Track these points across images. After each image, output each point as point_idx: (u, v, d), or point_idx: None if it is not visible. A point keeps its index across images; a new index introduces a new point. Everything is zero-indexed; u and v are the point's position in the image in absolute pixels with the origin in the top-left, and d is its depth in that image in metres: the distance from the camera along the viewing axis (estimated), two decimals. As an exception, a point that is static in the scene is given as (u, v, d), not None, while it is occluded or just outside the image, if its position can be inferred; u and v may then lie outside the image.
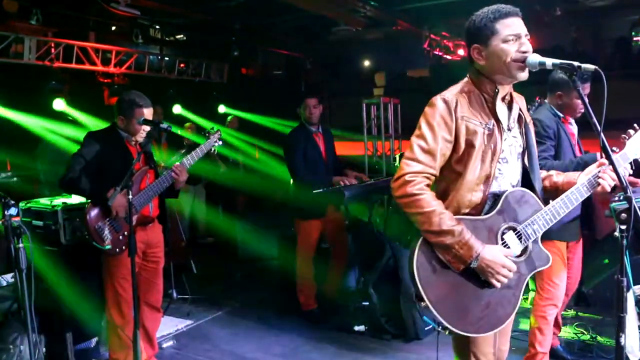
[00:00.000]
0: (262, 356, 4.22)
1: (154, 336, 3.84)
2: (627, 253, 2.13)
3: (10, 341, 3.50)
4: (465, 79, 2.18)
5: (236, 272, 6.41)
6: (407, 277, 4.36)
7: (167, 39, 9.14)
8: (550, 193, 2.29)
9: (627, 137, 2.36)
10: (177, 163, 3.55)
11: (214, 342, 4.49)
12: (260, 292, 5.76)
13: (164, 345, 4.34)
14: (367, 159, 8.66)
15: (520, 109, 2.23)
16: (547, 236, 2.21)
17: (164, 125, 3.33)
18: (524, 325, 4.19)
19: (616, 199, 3.31)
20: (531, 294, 4.33)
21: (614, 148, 2.30)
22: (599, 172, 2.20)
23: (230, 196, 8.09)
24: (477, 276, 2.04)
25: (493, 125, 2.10)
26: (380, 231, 5.11)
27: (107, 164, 3.44)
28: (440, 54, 8.79)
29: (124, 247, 3.40)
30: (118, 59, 7.73)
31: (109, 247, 3.38)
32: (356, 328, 4.57)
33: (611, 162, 1.97)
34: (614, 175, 2.16)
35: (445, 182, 2.13)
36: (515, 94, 2.21)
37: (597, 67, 1.93)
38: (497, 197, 2.13)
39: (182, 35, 9.17)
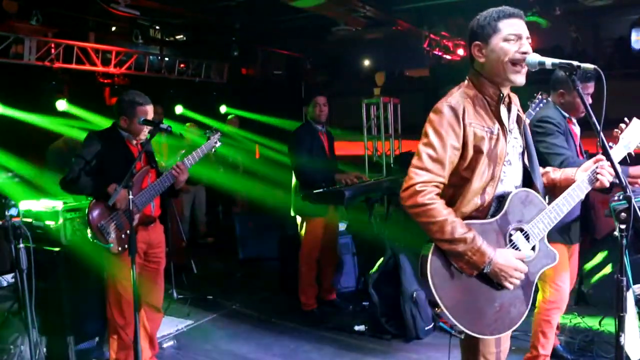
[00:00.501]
0: (262, 356, 4.22)
1: (155, 336, 3.84)
2: (627, 252, 2.12)
3: (11, 341, 3.51)
4: (466, 82, 2.18)
5: (236, 272, 6.41)
6: (407, 277, 4.39)
7: (167, 39, 9.14)
8: (549, 190, 2.30)
9: (619, 132, 2.35)
10: (178, 162, 3.56)
11: (214, 342, 4.49)
12: (260, 292, 5.77)
13: (165, 345, 4.34)
14: (367, 158, 8.66)
15: (518, 110, 2.24)
16: (549, 239, 2.21)
17: (164, 125, 3.33)
18: (525, 325, 4.19)
19: (615, 198, 3.32)
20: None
21: (610, 144, 2.29)
22: (597, 167, 2.20)
23: (230, 196, 8.10)
24: (490, 279, 2.07)
25: (498, 129, 2.11)
26: (380, 231, 5.11)
27: (108, 164, 3.45)
28: (440, 53, 8.79)
29: (126, 246, 3.40)
30: (118, 59, 7.74)
31: (112, 245, 3.39)
32: (356, 328, 4.57)
33: (611, 162, 1.97)
34: (612, 170, 2.15)
35: (453, 188, 2.12)
36: (510, 93, 2.22)
37: (596, 67, 1.93)
38: (502, 199, 2.14)
39: (182, 36, 9.17)
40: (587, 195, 2.26)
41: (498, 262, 2.01)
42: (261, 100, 9.66)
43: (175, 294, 5.19)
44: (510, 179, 2.19)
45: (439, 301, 2.01)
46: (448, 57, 9.01)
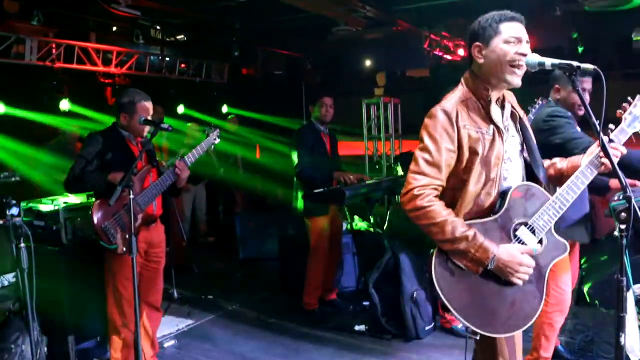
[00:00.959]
0: (262, 356, 4.22)
1: (155, 336, 3.85)
2: (627, 252, 2.12)
3: (12, 341, 3.51)
4: (460, 86, 2.20)
5: (237, 272, 6.42)
6: (407, 276, 4.39)
7: (167, 39, 9.15)
8: (557, 180, 2.30)
9: (623, 112, 2.32)
10: (179, 160, 3.56)
11: (215, 342, 4.50)
12: (260, 292, 5.77)
13: (165, 345, 4.35)
14: (368, 158, 8.66)
15: (512, 106, 2.25)
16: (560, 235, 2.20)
17: (165, 125, 3.33)
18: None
19: (616, 198, 3.31)
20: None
21: (610, 125, 2.26)
22: (599, 153, 2.18)
23: (230, 196, 8.10)
24: (498, 277, 2.06)
25: (493, 130, 2.13)
26: (380, 231, 5.12)
27: (109, 164, 3.45)
28: (441, 54, 8.79)
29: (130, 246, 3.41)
30: (119, 59, 7.75)
31: (115, 246, 3.39)
32: (357, 328, 4.57)
33: (611, 162, 1.98)
34: (616, 152, 2.16)
35: (452, 191, 2.14)
36: (505, 92, 2.23)
37: (596, 67, 1.94)
38: (503, 195, 2.15)
39: (182, 36, 9.18)
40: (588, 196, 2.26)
41: (502, 258, 2.02)
42: (261, 100, 9.67)
43: (175, 294, 5.19)
44: (513, 176, 2.20)
45: (447, 304, 2.02)
46: (448, 57, 9.02)
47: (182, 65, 8.82)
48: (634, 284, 3.37)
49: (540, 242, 2.13)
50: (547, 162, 2.36)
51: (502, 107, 2.21)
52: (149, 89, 3.70)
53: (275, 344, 4.42)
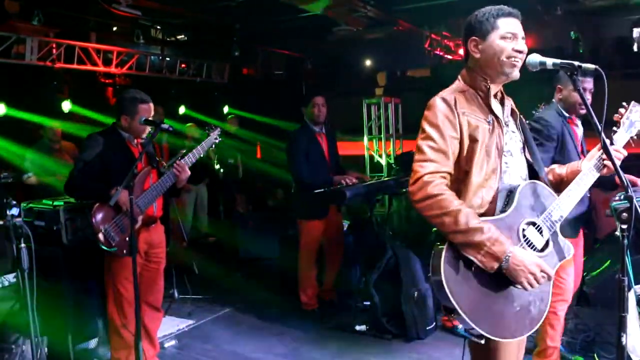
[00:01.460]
0: (263, 356, 4.22)
1: (155, 336, 3.84)
2: (628, 252, 2.12)
3: (12, 341, 3.51)
4: (457, 82, 2.19)
5: (237, 272, 6.41)
6: (408, 276, 4.39)
7: (168, 39, 9.16)
8: (556, 186, 2.27)
9: (620, 116, 2.34)
10: (178, 161, 3.55)
11: (216, 342, 4.49)
12: (261, 292, 5.76)
13: (166, 345, 4.35)
14: (368, 159, 8.66)
15: (512, 105, 2.25)
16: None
17: (165, 125, 3.33)
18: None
19: (617, 198, 3.31)
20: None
21: (614, 128, 2.28)
22: (602, 154, 2.19)
23: (231, 196, 8.10)
24: (506, 279, 1.96)
25: (492, 120, 2.11)
26: (381, 231, 5.11)
27: (109, 166, 3.44)
28: (441, 53, 8.79)
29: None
30: (119, 59, 7.75)
31: (115, 249, 3.38)
32: (357, 328, 4.57)
33: (612, 161, 1.98)
34: (618, 154, 2.18)
35: (456, 184, 2.08)
36: (502, 90, 2.22)
37: (597, 67, 1.94)
38: (510, 193, 2.10)
39: (183, 36, 9.18)
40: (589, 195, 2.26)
41: (517, 255, 1.92)
42: (262, 100, 9.67)
43: (176, 294, 5.18)
44: (514, 170, 2.16)
45: (456, 306, 1.89)
46: (449, 57, 9.02)
47: (183, 65, 8.82)
48: (635, 284, 3.36)
49: (547, 243, 2.08)
50: (546, 169, 2.34)
51: (502, 104, 2.19)
52: (149, 89, 3.70)
53: (276, 343, 4.42)
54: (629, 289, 3.14)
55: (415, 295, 4.33)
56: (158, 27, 8.19)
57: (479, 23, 2.11)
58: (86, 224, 3.37)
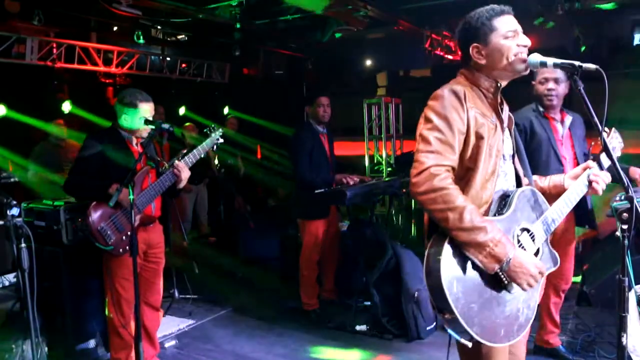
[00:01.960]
0: (263, 356, 4.22)
1: (155, 336, 3.84)
2: (629, 253, 2.12)
3: (13, 341, 3.51)
4: (459, 78, 2.15)
5: (238, 272, 6.41)
6: (408, 276, 4.38)
7: (168, 39, 9.15)
8: None
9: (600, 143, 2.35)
10: (178, 162, 3.55)
11: (216, 342, 4.50)
12: (262, 291, 5.77)
13: (166, 345, 4.35)
14: (369, 159, 8.66)
15: (508, 112, 2.23)
16: None
17: (166, 125, 3.33)
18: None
19: (617, 198, 3.31)
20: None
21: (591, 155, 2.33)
22: (590, 175, 2.23)
23: (231, 196, 8.10)
24: (500, 283, 1.93)
25: (495, 120, 2.08)
26: (381, 231, 5.11)
27: (109, 165, 3.44)
28: (442, 53, 8.78)
29: (127, 248, 3.40)
30: (120, 59, 7.75)
31: (112, 247, 3.38)
32: (358, 328, 4.57)
33: (612, 162, 1.98)
34: (605, 179, 2.21)
35: (456, 180, 1.99)
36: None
37: (598, 67, 1.94)
38: (506, 196, 2.08)
39: (183, 36, 9.17)
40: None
41: (519, 257, 1.88)
42: (263, 99, 9.67)
43: (176, 294, 5.19)
44: (507, 177, 2.15)
45: (452, 306, 1.83)
46: (450, 57, 9.00)
47: (183, 65, 8.82)
48: (635, 284, 3.36)
49: (537, 251, 2.08)
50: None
51: (501, 109, 2.16)
52: (149, 89, 3.70)
53: (276, 343, 4.42)
54: (630, 289, 3.14)
55: (416, 295, 4.33)
56: (158, 26, 8.17)
57: (474, 29, 2.07)
58: (84, 222, 3.36)
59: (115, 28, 7.98)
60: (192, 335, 4.65)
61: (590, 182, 2.23)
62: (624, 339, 1.90)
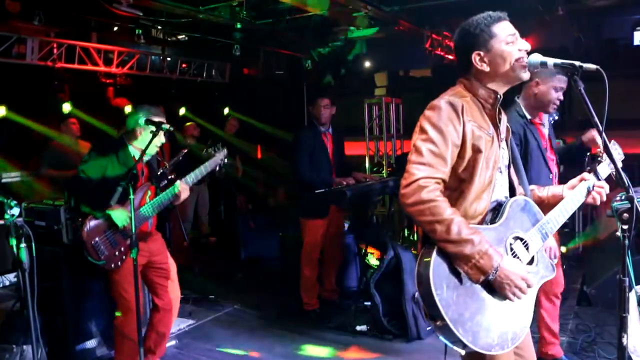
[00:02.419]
0: (264, 356, 4.22)
1: (166, 338, 3.83)
2: (630, 253, 2.12)
3: (13, 341, 3.51)
4: (458, 87, 2.14)
5: (238, 272, 6.42)
6: (408, 277, 4.38)
7: (169, 39, 9.15)
8: None
9: (602, 152, 2.35)
10: (181, 184, 3.49)
11: (216, 342, 4.50)
12: (262, 292, 5.77)
13: (167, 345, 4.34)
14: (369, 159, 8.65)
15: (506, 122, 2.22)
16: None
17: (166, 125, 3.34)
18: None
19: (618, 198, 3.31)
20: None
21: (599, 158, 2.33)
22: (593, 187, 2.23)
23: (232, 196, 8.10)
24: (491, 291, 1.93)
25: (493, 132, 2.07)
26: (381, 231, 5.11)
27: (110, 178, 3.38)
28: (442, 53, 8.77)
29: (119, 263, 3.37)
30: (120, 59, 7.74)
31: (103, 262, 3.37)
32: (358, 328, 4.57)
33: (613, 161, 1.98)
34: (606, 190, 2.22)
35: (449, 191, 2.03)
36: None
37: (598, 67, 1.93)
38: (499, 206, 2.08)
39: (183, 36, 9.17)
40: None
41: (505, 269, 1.88)
42: (263, 100, 9.67)
43: (177, 294, 5.19)
44: (501, 188, 2.14)
45: (442, 313, 1.84)
46: (450, 57, 9.00)
47: (184, 65, 8.82)
48: (636, 284, 3.36)
49: (532, 259, 2.07)
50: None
51: (499, 119, 2.14)
52: (150, 89, 3.69)
53: (277, 344, 4.42)
54: (630, 290, 3.14)
55: (416, 295, 4.31)
56: (159, 26, 8.17)
57: (475, 36, 2.06)
58: (79, 235, 3.35)
59: (115, 28, 7.98)
60: (192, 335, 4.65)
61: (589, 192, 2.22)
62: (624, 340, 1.90)
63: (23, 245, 2.64)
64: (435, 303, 1.85)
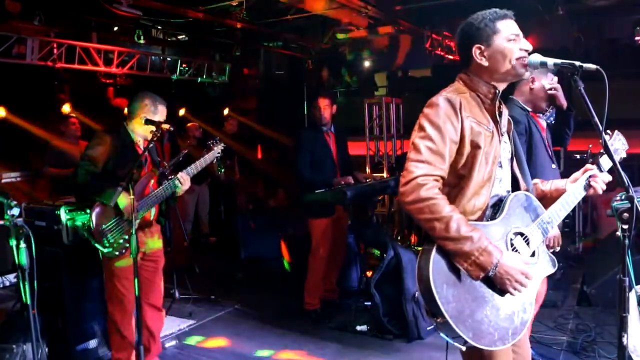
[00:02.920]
0: (264, 356, 4.22)
1: (158, 336, 3.83)
2: (630, 252, 2.12)
3: (13, 341, 3.51)
4: (457, 84, 2.14)
5: (238, 272, 6.41)
6: (409, 276, 4.38)
7: (168, 39, 9.16)
8: (538, 200, 2.25)
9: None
10: (181, 173, 3.53)
11: (216, 342, 4.49)
12: (262, 291, 5.77)
13: (167, 345, 4.34)
14: (369, 159, 8.65)
15: (507, 116, 2.22)
16: None
17: (167, 125, 3.34)
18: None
19: (618, 198, 3.31)
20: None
21: (600, 150, 2.30)
22: (590, 177, 2.22)
23: (232, 196, 8.11)
24: (492, 286, 1.94)
25: (492, 127, 2.08)
26: (382, 231, 5.11)
27: (115, 166, 3.40)
28: (442, 53, 8.78)
29: (123, 251, 3.39)
30: (120, 59, 7.75)
31: (109, 249, 3.38)
32: (358, 328, 4.57)
33: (612, 161, 1.98)
34: (604, 179, 2.20)
35: (448, 188, 2.03)
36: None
37: (598, 67, 1.93)
38: (500, 201, 2.08)
39: (183, 36, 9.19)
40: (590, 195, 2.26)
41: (505, 264, 1.89)
42: (263, 100, 9.68)
43: (177, 294, 5.20)
44: (503, 182, 2.14)
45: (442, 310, 1.84)
46: (450, 57, 9.01)
47: (184, 65, 8.83)
48: (636, 284, 3.36)
49: (533, 254, 2.08)
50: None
51: (500, 113, 2.15)
52: (150, 89, 3.70)
53: (277, 344, 4.42)
54: (630, 289, 3.14)
55: (416, 295, 4.33)
56: (159, 26, 8.18)
57: (478, 30, 2.06)
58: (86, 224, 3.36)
59: (115, 28, 7.99)
60: (192, 335, 4.65)
61: (589, 184, 2.22)
62: (624, 339, 1.90)
63: (23, 245, 2.64)
64: (435, 300, 1.85)
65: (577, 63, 1.94)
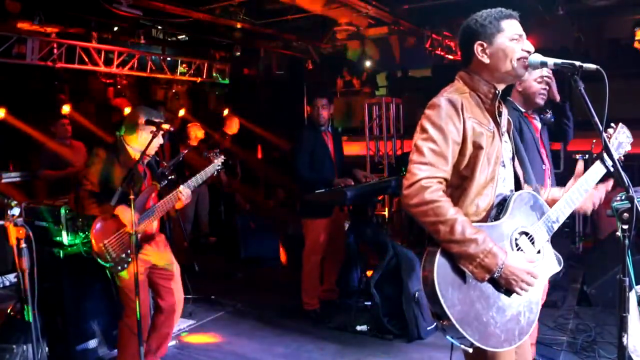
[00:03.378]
0: (264, 356, 4.22)
1: (167, 340, 3.82)
2: (630, 253, 2.12)
3: (13, 341, 3.51)
4: (457, 83, 2.14)
5: (238, 272, 6.42)
6: (409, 276, 4.38)
7: (169, 39, 9.16)
8: None
9: (609, 137, 2.32)
10: (182, 187, 3.50)
11: (216, 342, 4.49)
12: (262, 292, 5.77)
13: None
14: (369, 159, 8.66)
15: (507, 115, 2.22)
16: None
17: (166, 125, 3.33)
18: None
19: (618, 198, 3.31)
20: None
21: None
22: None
23: (232, 196, 8.11)
24: (498, 286, 1.94)
25: (493, 127, 2.07)
26: (382, 231, 5.11)
27: (114, 182, 3.37)
28: (442, 53, 8.79)
29: (126, 265, 3.37)
30: (120, 59, 7.75)
31: (111, 264, 3.37)
32: (358, 328, 4.57)
33: (613, 161, 1.98)
34: (601, 194, 2.23)
35: (451, 189, 2.02)
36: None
37: (598, 67, 1.93)
38: (504, 201, 2.07)
39: (184, 36, 9.19)
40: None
41: (510, 265, 1.89)
42: (263, 100, 9.68)
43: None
44: (506, 182, 2.13)
45: (448, 313, 1.84)
46: (450, 57, 9.02)
47: (184, 65, 8.83)
48: (636, 284, 3.36)
49: (539, 252, 2.07)
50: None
51: (499, 113, 2.14)
52: (150, 89, 3.70)
53: (277, 344, 4.42)
54: (630, 290, 3.14)
55: (417, 295, 4.33)
56: (159, 27, 8.19)
57: (482, 27, 2.06)
58: (85, 222, 3.36)
59: (115, 28, 7.99)
60: (192, 335, 4.65)
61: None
62: (624, 339, 1.90)
63: (23, 245, 2.64)
64: (440, 303, 1.85)
65: (577, 63, 1.94)
